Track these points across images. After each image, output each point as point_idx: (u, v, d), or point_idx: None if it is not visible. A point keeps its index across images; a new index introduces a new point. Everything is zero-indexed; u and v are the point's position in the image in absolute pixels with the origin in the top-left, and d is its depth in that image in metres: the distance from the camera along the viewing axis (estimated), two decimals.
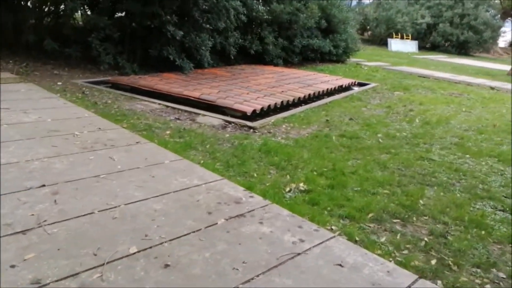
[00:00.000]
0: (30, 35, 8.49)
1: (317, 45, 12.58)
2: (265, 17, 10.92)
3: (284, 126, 6.24)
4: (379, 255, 2.81)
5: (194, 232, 2.62)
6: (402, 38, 25.76)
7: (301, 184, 3.90)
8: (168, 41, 9.11)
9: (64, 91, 6.98)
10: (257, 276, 2.24)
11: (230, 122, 6.14)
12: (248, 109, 6.60)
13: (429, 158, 5.14)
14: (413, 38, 26.25)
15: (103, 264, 2.22)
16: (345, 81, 10.34)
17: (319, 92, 8.78)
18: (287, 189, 3.81)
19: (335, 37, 13.69)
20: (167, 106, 6.73)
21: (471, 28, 25.80)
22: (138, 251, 2.35)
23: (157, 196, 3.04)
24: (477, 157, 5.35)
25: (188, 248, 2.44)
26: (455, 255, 2.95)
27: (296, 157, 4.76)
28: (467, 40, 25.99)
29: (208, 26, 9.59)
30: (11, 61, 8.53)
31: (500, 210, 3.80)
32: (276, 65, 12.13)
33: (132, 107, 6.47)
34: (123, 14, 9.21)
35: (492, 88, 12.32)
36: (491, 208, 3.83)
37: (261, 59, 12.05)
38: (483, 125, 7.35)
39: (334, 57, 14.23)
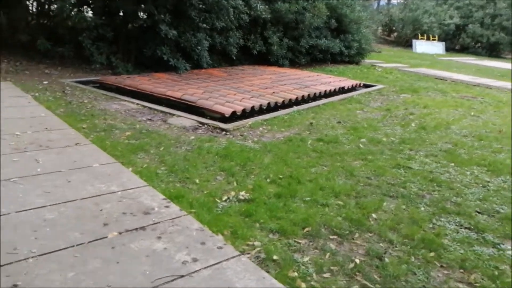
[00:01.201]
0: (23, 34, 8.49)
1: (325, 45, 12.10)
2: (267, 16, 10.56)
3: (261, 128, 5.89)
4: (292, 278, 2.44)
5: (73, 247, 2.33)
6: (428, 39, 24.75)
7: (243, 193, 3.55)
8: (162, 40, 8.93)
9: (46, 90, 6.90)
10: None
11: (203, 124, 5.85)
12: (227, 111, 6.29)
13: (407, 166, 4.67)
14: (440, 40, 25.16)
15: None
16: (348, 83, 9.86)
17: (315, 93, 8.36)
18: (224, 198, 3.47)
19: (347, 37, 13.16)
20: (145, 107, 6.52)
21: (503, 29, 24.46)
22: None
23: (58, 203, 2.78)
24: (464, 166, 4.82)
25: (53, 266, 2.15)
26: (385, 281, 2.52)
27: (255, 162, 4.41)
28: (498, 42, 24.66)
29: (204, 25, 9.33)
30: (5, 60, 8.56)
31: (465, 228, 3.32)
32: (281, 66, 11.76)
33: (108, 107, 6.28)
34: (119, 13, 9.06)
35: None
36: (456, 225, 3.35)
37: (265, 59, 11.72)
38: (487, 130, 6.74)
39: (346, 58, 13.70)
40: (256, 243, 2.83)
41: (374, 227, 3.19)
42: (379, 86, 10.39)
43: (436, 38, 24.73)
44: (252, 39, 11.03)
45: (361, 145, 5.41)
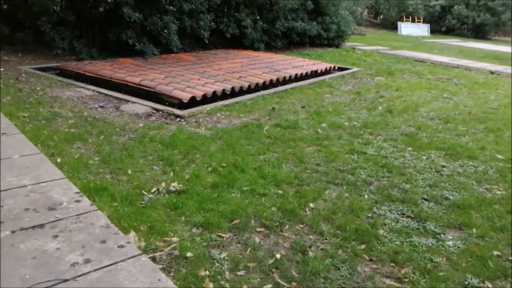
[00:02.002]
0: None
1: (301, 28, 11.79)
2: None
3: (218, 114, 5.65)
4: (201, 277, 2.24)
5: None
6: (413, 21, 24.45)
7: (175, 184, 3.33)
8: (128, 24, 8.59)
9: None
10: None
11: (158, 110, 5.61)
12: (186, 96, 6.04)
13: (361, 152, 4.47)
14: (426, 22, 24.88)
15: None
16: (321, 66, 9.60)
17: (284, 77, 8.11)
18: (154, 189, 3.25)
19: (325, 19, 12.85)
20: (101, 93, 6.24)
21: (489, 9, 24.20)
22: None
23: None
24: (422, 150, 4.63)
25: None
26: (303, 278, 2.33)
27: (201, 150, 4.18)
28: (483, 23, 24.41)
29: (171, 8, 8.99)
30: None
31: (406, 217, 3.14)
32: (257, 49, 11.45)
33: (60, 94, 6.00)
34: None
35: (492, 72, 11.29)
36: (397, 214, 3.17)
37: (240, 43, 11.40)
38: (456, 113, 6.55)
39: (325, 41, 13.40)
40: (174, 238, 2.62)
41: (307, 217, 2.99)
42: (354, 69, 10.15)
43: (421, 20, 24.44)
44: (225, 22, 10.70)
45: (319, 130, 5.20)
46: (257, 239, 2.70)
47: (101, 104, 5.70)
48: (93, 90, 6.36)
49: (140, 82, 6.57)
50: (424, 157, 4.42)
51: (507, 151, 4.79)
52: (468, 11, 24.44)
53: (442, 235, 2.91)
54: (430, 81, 9.32)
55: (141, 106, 5.74)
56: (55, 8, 8.04)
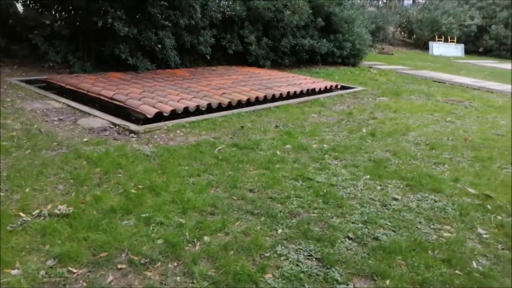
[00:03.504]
0: None
1: (309, 45, 11.38)
2: (242, 14, 10.00)
3: (178, 131, 5.33)
4: None
5: None
6: (446, 41, 23.41)
7: (63, 206, 3.00)
8: (122, 38, 8.51)
9: None
10: None
11: (116, 125, 5.37)
12: (151, 111, 5.78)
13: (309, 178, 3.98)
14: (460, 42, 23.77)
15: None
16: (321, 84, 9.13)
17: (273, 95, 7.71)
18: (36, 211, 2.93)
19: (337, 37, 12.38)
20: (69, 106, 6.10)
21: None
22: None
23: None
24: (381, 179, 4.08)
25: None
26: None
27: (126, 169, 3.86)
28: None
29: (167, 23, 8.86)
30: None
31: (312, 260, 2.63)
32: (261, 66, 11.14)
33: (27, 106, 5.90)
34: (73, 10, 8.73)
35: None
36: (303, 255, 2.67)
37: (245, 60, 11.14)
38: (451, 138, 5.90)
39: (338, 59, 12.89)
40: (14, 271, 2.27)
41: (190, 254, 2.57)
42: (359, 89, 9.59)
43: (455, 40, 23.36)
44: (228, 38, 10.48)
45: (278, 152, 4.75)
46: (110, 279, 2.30)
47: (61, 117, 5.53)
48: (63, 103, 6.23)
49: (112, 96, 6.38)
50: (379, 187, 3.87)
51: (486, 184, 4.15)
52: (507, 30, 23.14)
53: (344, 286, 2.39)
54: (438, 103, 8.62)
55: (100, 120, 5.52)
56: (47, 22, 8.08)
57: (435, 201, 3.65)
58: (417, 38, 25.60)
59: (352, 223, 3.14)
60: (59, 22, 8.44)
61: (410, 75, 12.76)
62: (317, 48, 11.59)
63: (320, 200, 3.48)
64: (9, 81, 7.41)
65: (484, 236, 3.08)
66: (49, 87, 7.45)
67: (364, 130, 6.02)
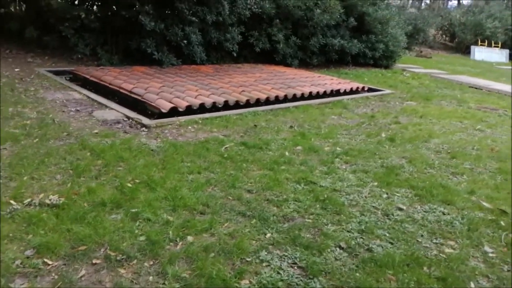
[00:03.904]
0: (11, 23, 8.59)
1: (339, 45, 11.12)
2: (270, 12, 9.88)
3: (190, 127, 5.30)
4: None
5: None
6: (490, 46, 22.37)
7: (55, 196, 3.01)
8: (149, 33, 8.60)
9: (7, 76, 6.85)
10: None
11: (129, 118, 5.40)
12: (166, 106, 5.78)
13: (312, 182, 3.84)
14: (505, 47, 22.64)
15: None
16: (347, 86, 8.88)
17: (294, 95, 7.56)
18: (27, 200, 2.95)
19: (370, 38, 12.03)
20: (89, 98, 6.21)
21: None
22: None
23: None
24: (389, 187, 3.88)
25: None
26: None
27: (127, 163, 3.85)
28: None
29: (194, 19, 8.87)
30: None
31: (296, 268, 2.50)
32: (289, 65, 10.98)
33: (49, 96, 6.04)
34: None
35: None
36: (287, 262, 2.54)
37: (272, 58, 11.02)
38: (476, 148, 5.57)
39: (370, 60, 12.52)
40: None
41: (168, 253, 2.50)
42: (387, 91, 9.27)
43: (499, 45, 22.27)
44: (255, 35, 10.39)
45: (287, 153, 4.63)
46: (82, 273, 2.27)
47: (78, 108, 5.62)
48: (84, 95, 6.34)
49: (131, 89, 6.44)
50: (385, 195, 3.68)
51: (504, 198, 3.86)
52: None
53: None
54: (469, 109, 8.20)
55: (115, 112, 5.57)
56: (81, 14, 8.27)
57: (443, 214, 3.42)
58: (459, 42, 24.60)
59: (348, 231, 2.98)
60: (89, 16, 8.59)
61: (445, 80, 12.25)
62: (347, 48, 11.31)
63: (318, 206, 3.33)
64: (38, 71, 7.63)
65: (490, 255, 2.84)
66: (75, 78, 7.63)
67: (383, 135, 5.78)
